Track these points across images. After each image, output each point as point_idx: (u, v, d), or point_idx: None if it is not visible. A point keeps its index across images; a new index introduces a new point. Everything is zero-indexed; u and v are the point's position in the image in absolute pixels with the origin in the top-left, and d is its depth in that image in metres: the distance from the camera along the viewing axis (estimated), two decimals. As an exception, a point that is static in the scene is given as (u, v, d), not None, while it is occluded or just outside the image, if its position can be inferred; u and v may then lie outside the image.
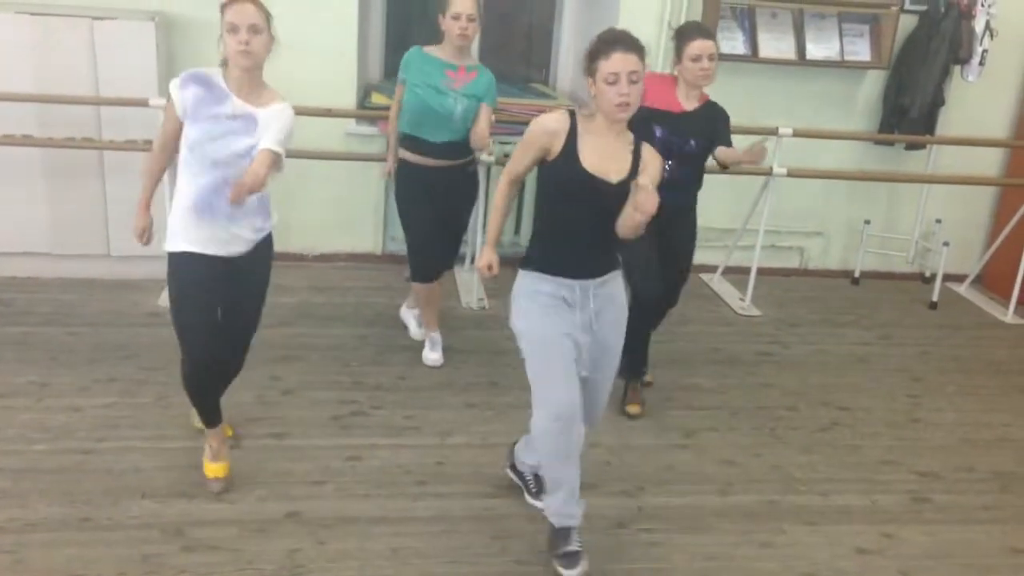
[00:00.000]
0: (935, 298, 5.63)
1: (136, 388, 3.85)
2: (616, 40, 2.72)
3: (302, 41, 4.95)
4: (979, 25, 5.31)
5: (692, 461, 3.70)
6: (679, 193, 3.73)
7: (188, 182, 3.05)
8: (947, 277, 5.73)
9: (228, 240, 3.10)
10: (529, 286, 2.90)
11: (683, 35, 3.70)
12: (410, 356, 4.34)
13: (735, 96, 5.34)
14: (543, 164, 2.84)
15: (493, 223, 3.02)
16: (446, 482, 3.42)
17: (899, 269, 6.04)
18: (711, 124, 3.73)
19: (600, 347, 2.94)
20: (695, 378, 4.39)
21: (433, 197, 4.13)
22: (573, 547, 2.93)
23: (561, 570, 2.91)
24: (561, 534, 2.95)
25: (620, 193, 2.76)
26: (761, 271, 5.37)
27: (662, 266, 3.74)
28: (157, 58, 4.61)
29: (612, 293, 2.94)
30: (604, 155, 2.78)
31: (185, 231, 3.07)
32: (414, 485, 3.38)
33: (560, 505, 2.94)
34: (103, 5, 4.67)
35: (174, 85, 3.01)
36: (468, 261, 5.23)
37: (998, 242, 5.66)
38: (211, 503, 3.17)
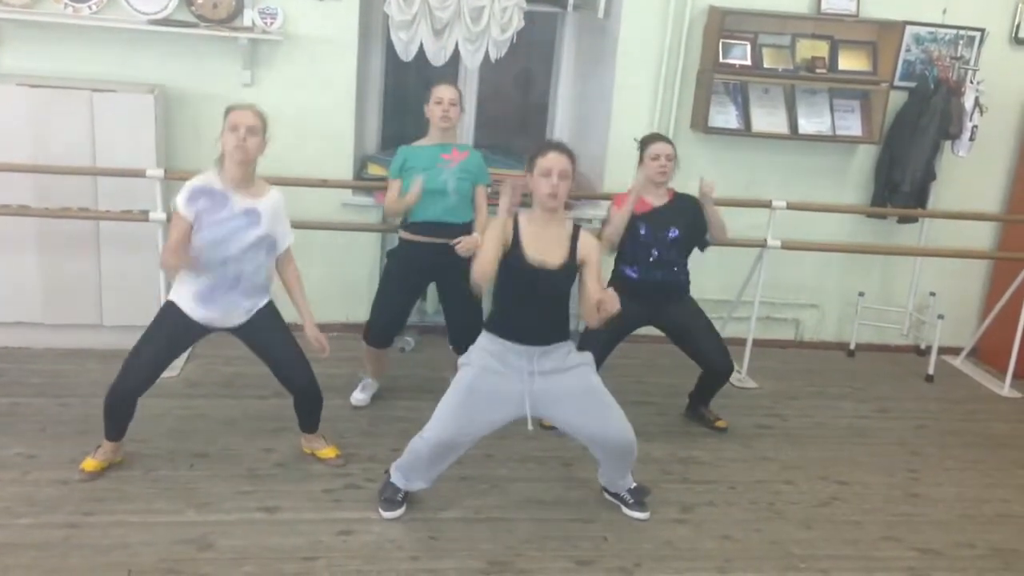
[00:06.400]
0: (931, 371, 5.61)
1: (124, 462, 3.79)
2: (553, 145, 3.43)
3: (301, 114, 5.03)
4: (968, 102, 5.38)
5: (690, 536, 3.64)
6: (669, 273, 4.35)
7: (194, 278, 3.52)
8: (942, 350, 5.72)
9: (224, 319, 3.62)
10: (482, 345, 3.47)
11: (646, 141, 4.37)
12: (404, 427, 4.29)
13: (729, 169, 5.43)
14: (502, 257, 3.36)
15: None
16: (439, 557, 3.35)
17: (894, 342, 6.04)
18: (687, 214, 4.35)
19: (566, 390, 3.44)
20: (692, 451, 4.35)
21: (427, 275, 4.39)
22: (397, 497, 3.58)
23: (382, 511, 3.55)
24: (391, 488, 3.59)
25: (560, 277, 3.39)
26: (757, 343, 5.36)
27: (689, 343, 4.42)
28: (156, 130, 4.65)
29: (558, 360, 3.45)
30: (544, 244, 3.36)
31: (187, 302, 3.56)
32: (407, 560, 3.32)
33: (405, 470, 3.55)
34: (103, 78, 4.73)
35: (182, 201, 3.44)
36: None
37: (992, 315, 5.67)
38: (199, 580, 3.10)
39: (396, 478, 3.59)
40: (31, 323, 4.79)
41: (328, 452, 3.95)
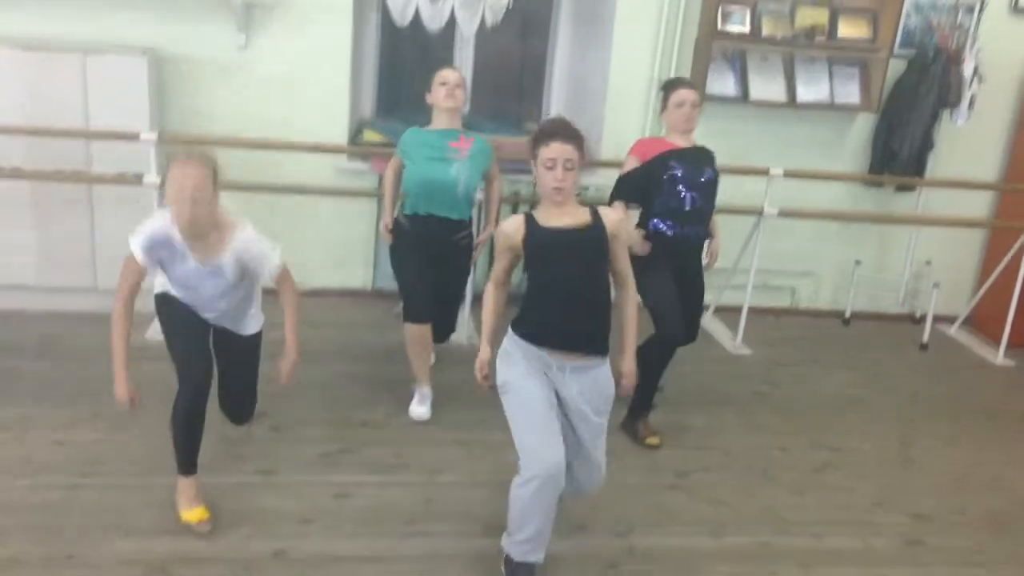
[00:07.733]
0: (926, 339, 5.63)
1: (121, 423, 3.79)
2: (556, 132, 2.88)
3: (295, 78, 4.99)
4: (967, 70, 5.36)
5: (684, 501, 3.66)
6: (699, 226, 4.06)
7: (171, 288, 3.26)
8: (937, 318, 5.74)
9: (211, 317, 3.31)
10: (509, 349, 2.98)
11: (669, 85, 4.14)
12: (400, 393, 4.30)
13: (727, 137, 5.40)
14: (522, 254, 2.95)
15: (487, 325, 3.07)
16: (435, 521, 3.37)
17: (889, 310, 6.05)
18: (712, 161, 4.09)
19: (581, 420, 2.96)
20: (687, 417, 4.36)
21: (428, 256, 4.09)
22: None
23: None
24: (522, 568, 2.94)
25: (587, 240, 2.89)
26: (752, 310, 5.36)
27: (681, 304, 3.97)
28: (149, 93, 4.62)
29: (595, 379, 2.95)
30: (563, 217, 2.90)
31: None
32: (402, 524, 3.33)
33: (521, 542, 2.92)
34: (96, 40, 4.68)
35: (137, 248, 3.03)
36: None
37: (988, 284, 5.68)
38: (196, 541, 3.11)
39: (510, 550, 3.00)
40: (25, 286, 4.79)
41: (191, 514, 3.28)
